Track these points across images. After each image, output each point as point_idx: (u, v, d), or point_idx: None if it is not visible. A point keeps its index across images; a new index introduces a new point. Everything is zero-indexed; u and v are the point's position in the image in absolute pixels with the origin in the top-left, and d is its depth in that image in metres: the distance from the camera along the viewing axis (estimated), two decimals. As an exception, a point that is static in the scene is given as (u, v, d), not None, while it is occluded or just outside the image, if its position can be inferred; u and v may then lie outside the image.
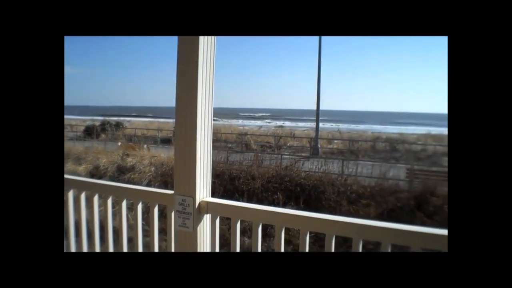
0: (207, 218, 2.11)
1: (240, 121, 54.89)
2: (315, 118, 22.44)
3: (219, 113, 67.49)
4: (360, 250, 1.81)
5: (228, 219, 2.11)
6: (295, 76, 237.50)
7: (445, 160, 19.59)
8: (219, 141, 24.36)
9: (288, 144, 24.28)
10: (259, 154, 16.30)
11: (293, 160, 15.23)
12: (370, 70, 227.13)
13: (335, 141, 25.37)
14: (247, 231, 5.75)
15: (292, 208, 10.38)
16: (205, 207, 2.07)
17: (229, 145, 23.40)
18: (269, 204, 10.66)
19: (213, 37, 2.03)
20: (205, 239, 2.11)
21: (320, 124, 23.34)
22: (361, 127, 51.32)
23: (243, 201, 10.68)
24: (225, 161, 14.42)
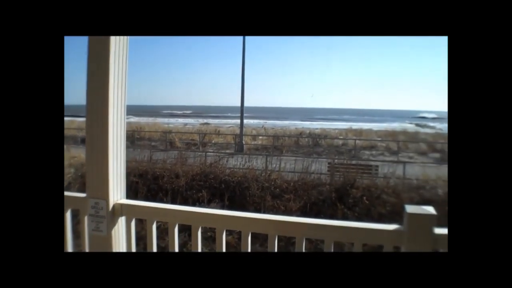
0: (122, 221, 2.06)
1: (166, 119, 53.55)
2: (239, 115, 22.54)
3: (139, 111, 65.66)
4: (276, 246, 1.85)
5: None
6: (220, 73, 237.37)
7: (364, 153, 20.57)
8: (142, 139, 23.78)
9: (213, 141, 24.26)
10: (184, 152, 16.13)
11: (218, 157, 15.26)
12: (296, 68, 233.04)
13: (260, 137, 25.75)
14: (181, 231, 5.64)
15: (217, 205, 10.43)
16: (120, 210, 2.02)
17: (153, 143, 22.91)
18: (194, 202, 10.61)
19: (125, 37, 1.98)
20: (121, 243, 2.06)
21: (245, 121, 23.52)
22: (285, 123, 52.39)
23: (167, 200, 10.57)
24: (148, 160, 14.12)
